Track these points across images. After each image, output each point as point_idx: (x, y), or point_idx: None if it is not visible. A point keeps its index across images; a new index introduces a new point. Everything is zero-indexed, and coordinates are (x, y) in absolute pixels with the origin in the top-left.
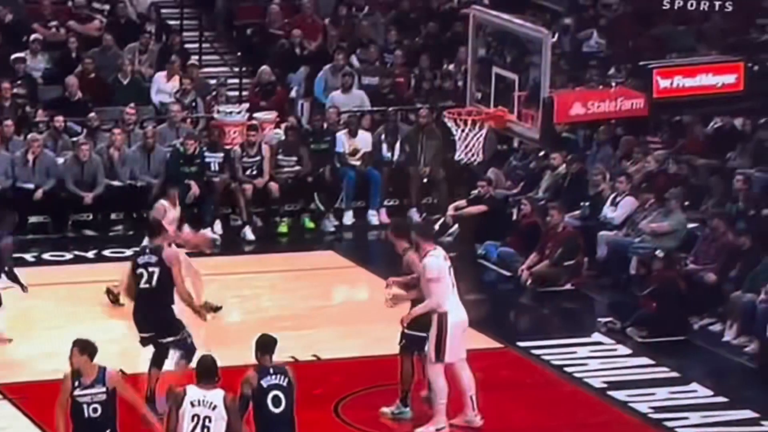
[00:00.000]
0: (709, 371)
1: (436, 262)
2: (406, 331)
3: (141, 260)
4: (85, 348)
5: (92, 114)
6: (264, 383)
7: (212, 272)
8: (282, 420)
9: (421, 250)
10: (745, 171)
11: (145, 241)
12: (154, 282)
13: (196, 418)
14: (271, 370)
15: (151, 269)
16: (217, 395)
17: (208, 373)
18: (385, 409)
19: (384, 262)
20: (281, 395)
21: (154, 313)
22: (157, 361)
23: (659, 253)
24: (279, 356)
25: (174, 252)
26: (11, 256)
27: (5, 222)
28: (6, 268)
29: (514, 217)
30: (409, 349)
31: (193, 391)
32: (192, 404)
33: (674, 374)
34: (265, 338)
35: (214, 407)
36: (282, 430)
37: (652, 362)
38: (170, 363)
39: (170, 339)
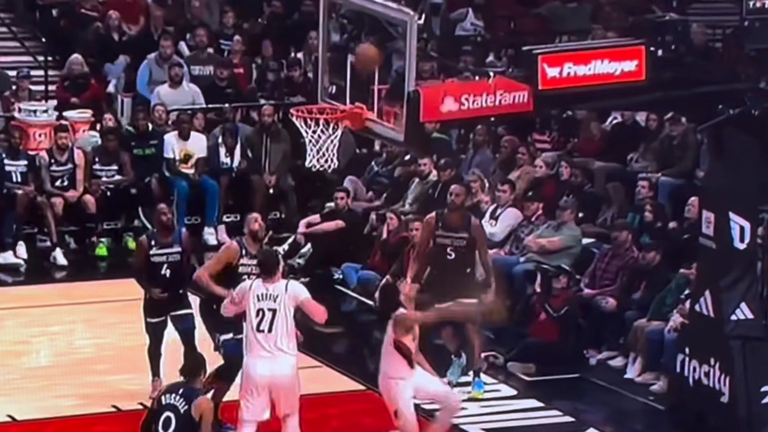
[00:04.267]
0: (610, 414)
1: (241, 288)
2: None
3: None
4: None
5: None
6: (163, 399)
7: (14, 305)
8: None
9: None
10: (650, 175)
11: None
12: None
13: None
14: (181, 390)
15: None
16: None
17: None
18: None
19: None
20: (173, 419)
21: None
22: None
23: (564, 265)
24: (87, 410)
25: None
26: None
27: None
28: None
29: (383, 234)
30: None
31: None
32: None
33: (568, 419)
34: (198, 360)
35: None
36: None
37: (540, 405)
38: None
39: None
